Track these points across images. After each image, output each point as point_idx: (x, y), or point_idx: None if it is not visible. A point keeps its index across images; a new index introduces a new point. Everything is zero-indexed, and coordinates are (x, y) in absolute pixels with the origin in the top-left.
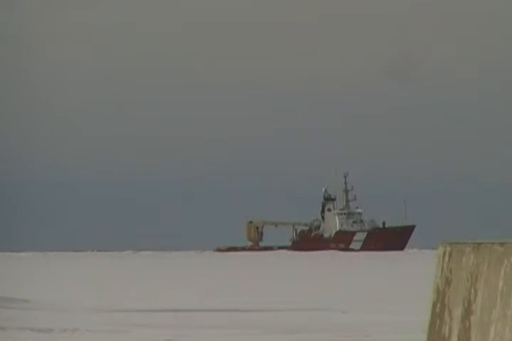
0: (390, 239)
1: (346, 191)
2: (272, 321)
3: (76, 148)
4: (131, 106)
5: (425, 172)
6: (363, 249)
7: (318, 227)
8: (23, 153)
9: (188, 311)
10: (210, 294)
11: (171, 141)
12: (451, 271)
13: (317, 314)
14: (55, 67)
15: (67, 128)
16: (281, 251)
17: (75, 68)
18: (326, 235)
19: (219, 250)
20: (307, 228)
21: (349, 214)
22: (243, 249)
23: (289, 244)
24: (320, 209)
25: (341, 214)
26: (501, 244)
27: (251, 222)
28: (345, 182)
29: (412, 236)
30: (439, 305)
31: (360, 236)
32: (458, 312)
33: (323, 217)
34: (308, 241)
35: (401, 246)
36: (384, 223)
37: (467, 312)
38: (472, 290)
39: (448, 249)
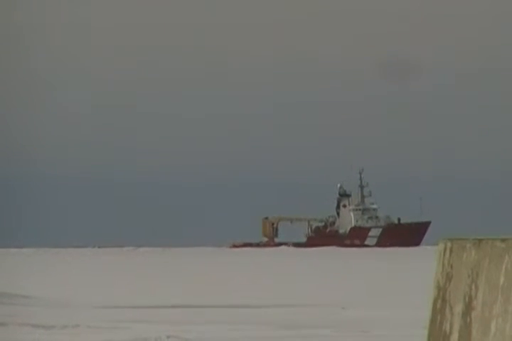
0: (405, 235)
1: (361, 187)
2: (272, 317)
3: (76, 143)
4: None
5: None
6: (378, 245)
7: (334, 223)
8: (23, 148)
9: (188, 307)
10: (211, 290)
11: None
12: (452, 266)
13: (317, 310)
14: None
15: (67, 124)
16: (281, 247)
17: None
18: (341, 231)
19: (235, 246)
20: (322, 224)
21: (364, 210)
22: (258, 245)
23: (304, 240)
24: (335, 205)
25: (356, 210)
26: (502, 240)
27: (266, 218)
28: (361, 178)
29: (427, 233)
30: (439, 301)
31: (375, 232)
32: (459, 308)
33: (338, 213)
34: (323, 237)
35: (416, 243)
36: (399, 219)
37: (468, 308)
38: (473, 286)
39: (449, 244)
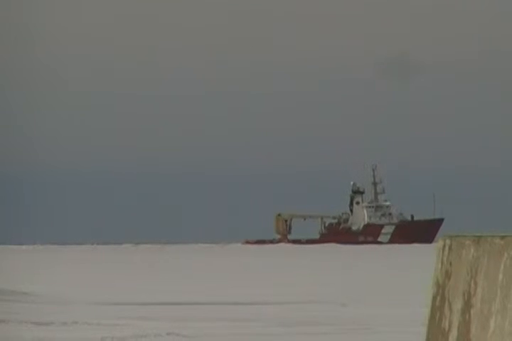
0: (419, 232)
1: (375, 184)
2: (272, 314)
3: (76, 138)
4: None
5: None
6: (391, 241)
7: (347, 220)
8: (22, 145)
9: (188, 304)
10: (211, 287)
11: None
12: (451, 264)
13: (317, 307)
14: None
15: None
16: (280, 244)
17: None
18: (354, 228)
19: (247, 243)
20: (335, 221)
21: (377, 207)
22: (271, 242)
23: (317, 237)
24: (348, 202)
25: (370, 207)
26: (501, 237)
27: (279, 215)
28: (374, 175)
29: (440, 230)
30: (439, 298)
31: (389, 229)
32: (458, 305)
33: (351, 210)
34: (336, 234)
35: (429, 239)
36: (412, 216)
37: (467, 305)
38: (472, 283)
39: (448, 242)
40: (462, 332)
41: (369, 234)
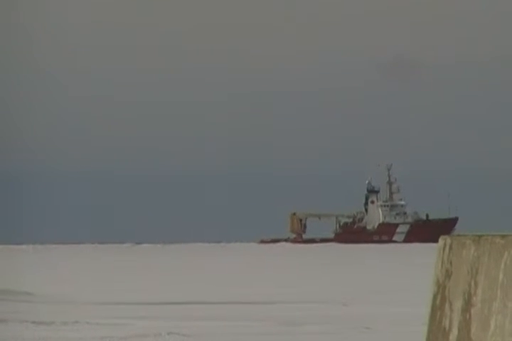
0: (433, 231)
1: (390, 183)
2: (273, 313)
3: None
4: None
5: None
6: (405, 241)
7: (362, 219)
8: (22, 144)
9: (189, 304)
10: (212, 287)
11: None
12: (451, 263)
13: (318, 306)
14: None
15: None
16: (281, 243)
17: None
18: (368, 227)
19: (263, 242)
20: (350, 220)
21: (392, 207)
22: (286, 240)
23: (332, 236)
24: (363, 201)
25: (384, 206)
26: (502, 237)
27: (294, 214)
28: (389, 175)
29: (455, 229)
30: (439, 298)
31: (403, 229)
32: (458, 304)
33: (366, 209)
34: (351, 233)
35: None
36: (427, 215)
37: (467, 305)
38: (472, 283)
39: (448, 241)
40: (463, 331)
41: (384, 233)
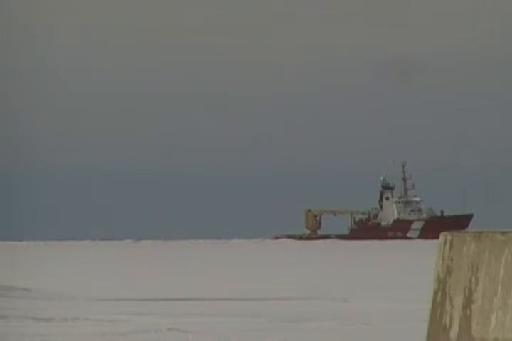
0: (448, 227)
1: (404, 179)
2: (273, 310)
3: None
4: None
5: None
6: (420, 237)
7: (376, 216)
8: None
9: (189, 300)
10: (213, 282)
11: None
12: (452, 259)
13: (317, 302)
14: None
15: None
16: (282, 239)
17: None
18: (383, 224)
19: (277, 238)
20: (365, 216)
21: (407, 203)
22: (301, 237)
23: (347, 232)
24: (378, 197)
25: (399, 202)
26: (502, 233)
27: (309, 211)
28: (404, 171)
29: (470, 225)
30: (440, 294)
31: (418, 225)
32: (459, 300)
33: (381, 206)
34: (365, 229)
35: None
36: (442, 212)
37: (468, 301)
38: (473, 279)
39: (449, 237)
40: (463, 327)
41: (398, 230)
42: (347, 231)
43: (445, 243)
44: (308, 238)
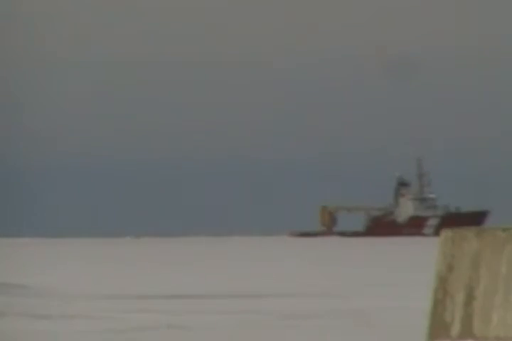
0: (464, 224)
1: (420, 176)
2: (272, 307)
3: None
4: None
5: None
6: (435, 234)
7: (392, 213)
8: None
9: (189, 297)
10: (213, 279)
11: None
12: (453, 257)
13: (316, 300)
14: None
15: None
16: (281, 237)
17: None
18: (399, 220)
19: (292, 235)
20: (381, 213)
21: (423, 200)
22: (316, 234)
23: (362, 229)
24: (394, 194)
25: (415, 199)
26: (503, 230)
27: (325, 207)
28: (419, 168)
29: (486, 222)
30: (441, 291)
31: (434, 222)
32: (460, 298)
33: (397, 202)
34: (381, 226)
35: None
36: (458, 208)
37: (470, 298)
38: (474, 276)
39: (450, 234)
40: (465, 325)
41: (414, 227)
42: (363, 228)
43: (446, 240)
44: (324, 234)
